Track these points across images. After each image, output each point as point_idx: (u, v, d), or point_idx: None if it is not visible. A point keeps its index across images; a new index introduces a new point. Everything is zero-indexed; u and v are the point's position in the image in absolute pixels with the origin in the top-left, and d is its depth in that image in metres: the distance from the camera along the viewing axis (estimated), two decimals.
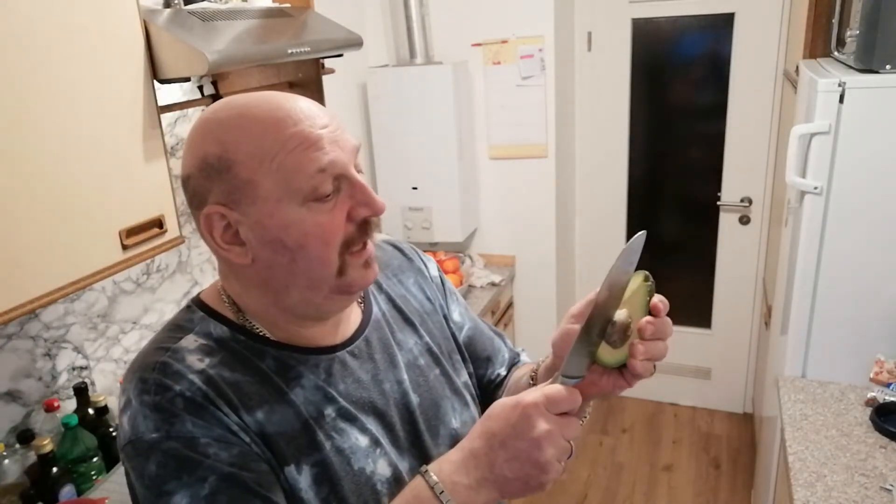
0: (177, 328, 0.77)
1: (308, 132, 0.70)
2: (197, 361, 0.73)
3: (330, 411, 0.77)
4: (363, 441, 0.78)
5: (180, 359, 0.72)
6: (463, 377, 0.96)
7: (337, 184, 0.72)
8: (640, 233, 0.73)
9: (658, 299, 0.75)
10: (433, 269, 1.02)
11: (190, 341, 0.75)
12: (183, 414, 0.68)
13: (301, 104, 0.72)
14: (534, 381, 0.90)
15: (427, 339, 0.93)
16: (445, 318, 0.99)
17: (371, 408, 0.81)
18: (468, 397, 0.95)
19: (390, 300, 0.93)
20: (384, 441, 0.80)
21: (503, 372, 1.04)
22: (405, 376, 0.86)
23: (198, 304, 0.80)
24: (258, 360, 0.76)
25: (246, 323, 0.78)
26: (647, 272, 0.76)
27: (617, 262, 0.71)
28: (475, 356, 1.02)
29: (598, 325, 0.73)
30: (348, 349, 0.83)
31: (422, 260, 1.02)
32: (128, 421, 0.70)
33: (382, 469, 0.78)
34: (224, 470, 0.68)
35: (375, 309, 0.90)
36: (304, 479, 0.73)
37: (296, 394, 0.76)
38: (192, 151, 0.73)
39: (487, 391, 1.02)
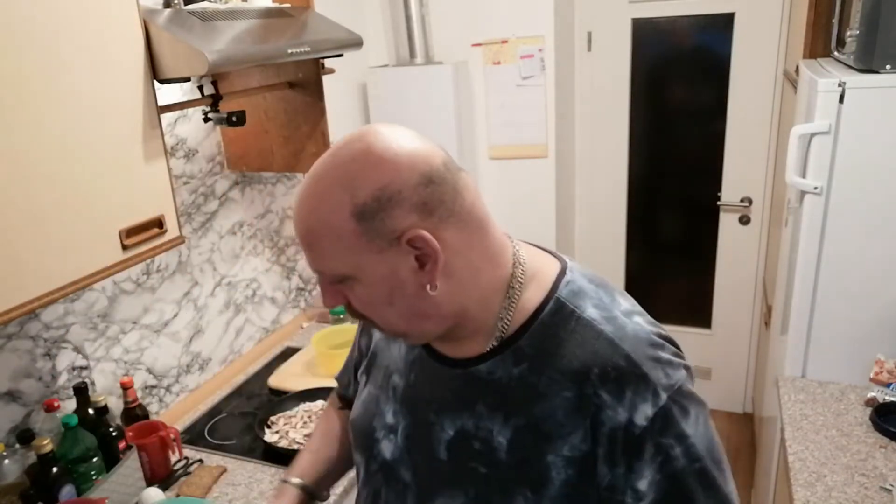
0: None
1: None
2: None
3: (396, 380, 0.87)
4: (389, 418, 0.87)
5: None
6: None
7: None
8: None
9: None
10: (639, 418, 0.69)
11: None
12: None
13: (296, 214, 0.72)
14: None
15: (512, 444, 0.74)
16: (595, 464, 0.70)
17: (405, 410, 0.86)
18: None
19: (532, 376, 0.74)
20: (399, 428, 0.86)
21: None
22: (450, 434, 0.78)
23: None
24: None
25: None
26: None
27: None
28: None
29: None
30: (455, 367, 0.80)
31: (644, 394, 0.70)
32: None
33: (387, 426, 0.87)
34: None
35: (501, 371, 0.75)
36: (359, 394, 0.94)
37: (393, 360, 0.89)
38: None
39: None
